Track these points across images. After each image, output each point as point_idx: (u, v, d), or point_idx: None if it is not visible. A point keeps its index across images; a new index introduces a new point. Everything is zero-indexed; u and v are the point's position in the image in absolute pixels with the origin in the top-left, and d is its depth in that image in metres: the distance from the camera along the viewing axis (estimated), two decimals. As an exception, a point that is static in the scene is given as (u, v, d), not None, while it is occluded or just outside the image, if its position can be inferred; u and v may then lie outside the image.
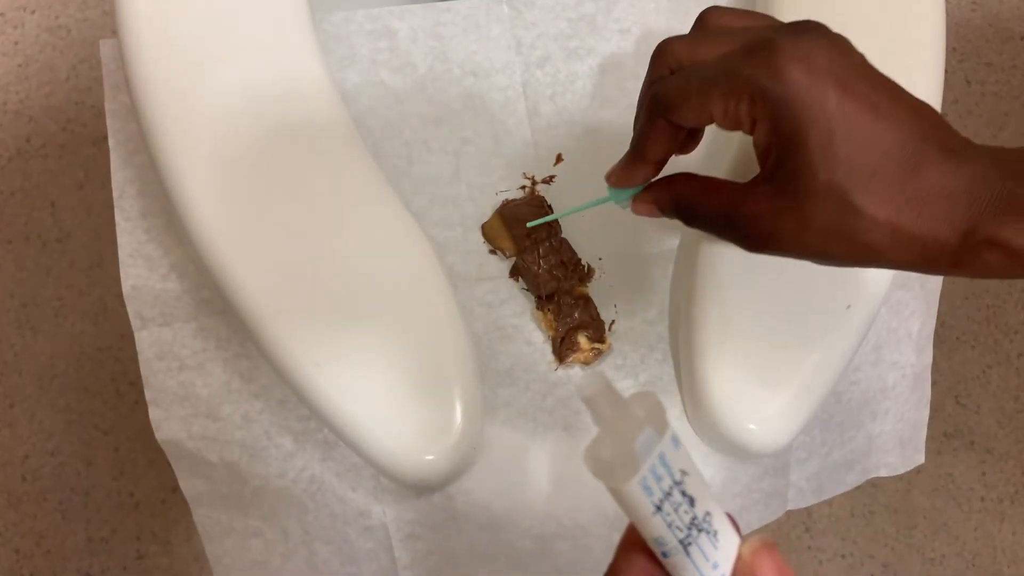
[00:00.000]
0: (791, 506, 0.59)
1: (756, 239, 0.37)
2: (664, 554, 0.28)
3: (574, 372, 0.56)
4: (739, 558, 0.30)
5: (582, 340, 0.55)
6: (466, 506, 0.53)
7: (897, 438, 0.61)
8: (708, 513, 0.28)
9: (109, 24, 1.12)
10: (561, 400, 0.56)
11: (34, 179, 1.08)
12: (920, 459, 0.62)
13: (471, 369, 0.51)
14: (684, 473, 0.28)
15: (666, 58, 0.40)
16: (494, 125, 0.58)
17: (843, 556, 1.11)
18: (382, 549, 0.55)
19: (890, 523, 1.11)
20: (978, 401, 1.14)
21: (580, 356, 0.56)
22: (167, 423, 0.54)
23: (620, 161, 0.43)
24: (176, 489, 1.05)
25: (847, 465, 0.60)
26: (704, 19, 0.41)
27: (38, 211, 1.08)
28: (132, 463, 1.05)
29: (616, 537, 0.54)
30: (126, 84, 0.52)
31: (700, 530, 0.28)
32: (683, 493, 0.28)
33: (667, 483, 0.27)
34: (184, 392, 0.54)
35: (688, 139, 0.42)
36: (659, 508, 0.27)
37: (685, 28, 0.60)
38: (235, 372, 0.55)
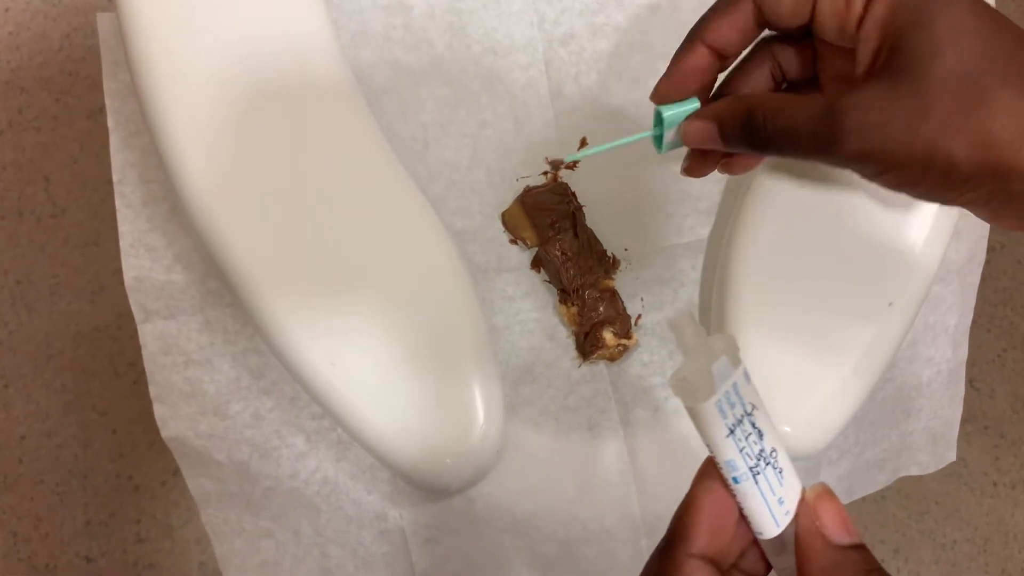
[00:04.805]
0: (820, 507, 0.57)
1: (858, 135, 0.31)
2: (735, 479, 0.30)
3: (599, 369, 0.54)
4: (802, 501, 0.31)
5: (607, 336, 0.53)
6: (487, 509, 0.51)
7: (929, 436, 0.59)
8: (775, 450, 0.31)
9: (103, -9, 1.08)
10: (585, 398, 0.53)
11: (27, 153, 1.05)
12: (951, 457, 0.60)
13: (491, 366, 0.49)
14: (754, 407, 0.30)
15: None
16: (515, 107, 0.55)
17: (853, 541, 1.10)
18: (398, 553, 0.52)
19: (901, 508, 1.10)
20: (992, 385, 1.12)
21: (605, 352, 0.53)
22: (173, 420, 0.51)
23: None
24: (176, 471, 1.03)
25: (879, 465, 0.58)
26: None
27: (31, 186, 1.04)
28: (131, 445, 1.02)
29: (643, 542, 0.52)
30: (125, 60, 0.49)
31: (767, 463, 0.30)
32: (753, 425, 0.30)
33: (739, 411, 0.30)
34: (190, 388, 0.52)
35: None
36: (732, 432, 0.29)
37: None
38: (244, 368, 0.52)
